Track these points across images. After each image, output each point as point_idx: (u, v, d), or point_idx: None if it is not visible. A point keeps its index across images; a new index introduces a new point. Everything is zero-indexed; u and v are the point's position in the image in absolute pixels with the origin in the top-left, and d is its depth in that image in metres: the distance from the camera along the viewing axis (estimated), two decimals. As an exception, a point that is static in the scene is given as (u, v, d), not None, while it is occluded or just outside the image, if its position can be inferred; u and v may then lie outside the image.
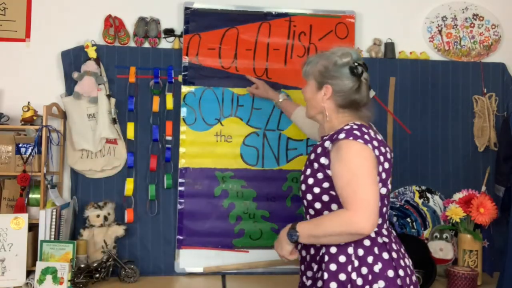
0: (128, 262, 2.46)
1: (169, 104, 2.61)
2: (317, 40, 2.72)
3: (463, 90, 2.82)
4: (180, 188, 2.60)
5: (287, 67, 2.70)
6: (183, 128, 2.62)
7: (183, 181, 2.60)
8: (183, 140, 2.62)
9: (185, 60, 2.64)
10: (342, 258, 1.66)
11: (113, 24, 2.65)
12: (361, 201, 1.57)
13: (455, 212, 2.47)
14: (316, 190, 1.71)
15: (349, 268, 1.65)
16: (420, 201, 2.73)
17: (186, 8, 2.66)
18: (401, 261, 1.71)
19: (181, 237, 2.58)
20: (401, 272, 1.67)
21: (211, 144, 2.64)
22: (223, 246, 2.61)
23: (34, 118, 2.48)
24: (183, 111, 2.63)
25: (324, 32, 2.73)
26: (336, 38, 2.73)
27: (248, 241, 2.63)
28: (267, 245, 2.63)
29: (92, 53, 2.56)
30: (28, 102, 2.49)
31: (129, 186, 2.57)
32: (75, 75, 2.55)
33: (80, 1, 2.67)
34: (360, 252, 1.66)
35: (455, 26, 2.88)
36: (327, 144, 1.70)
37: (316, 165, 1.72)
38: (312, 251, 1.77)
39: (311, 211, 1.77)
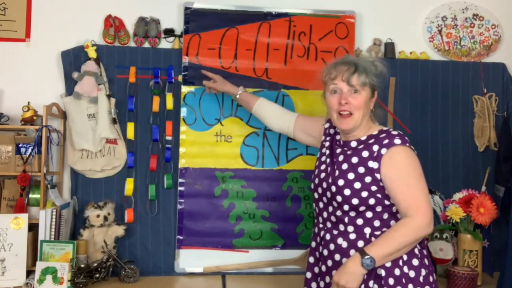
0: (128, 262, 2.46)
1: (169, 104, 2.61)
2: (317, 40, 2.72)
3: (463, 90, 2.82)
4: (180, 188, 2.60)
5: (287, 67, 2.70)
6: (183, 128, 2.62)
7: (183, 181, 2.60)
8: (183, 140, 2.62)
9: (185, 60, 2.64)
10: None
11: (113, 24, 2.65)
12: (424, 205, 1.70)
13: (455, 212, 2.47)
14: (364, 194, 1.75)
15: (400, 262, 1.73)
16: (420, 201, 2.73)
17: (186, 8, 2.66)
18: (426, 250, 1.84)
19: (181, 237, 2.58)
20: (429, 260, 1.83)
21: (211, 144, 2.64)
22: (223, 246, 2.61)
23: (34, 118, 2.48)
24: (183, 111, 2.63)
25: (324, 32, 2.72)
26: (336, 38, 2.73)
27: (248, 241, 2.63)
28: (267, 245, 2.63)
29: (92, 53, 2.56)
30: (28, 102, 2.49)
31: (129, 186, 2.57)
32: (75, 75, 2.55)
33: (80, 1, 2.67)
34: None
35: (455, 26, 2.88)
36: (376, 148, 1.76)
37: (362, 169, 1.76)
38: (361, 244, 1.76)
39: (352, 213, 1.78)
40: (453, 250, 2.55)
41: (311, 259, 1.92)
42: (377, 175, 1.73)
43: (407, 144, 1.76)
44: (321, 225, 1.89)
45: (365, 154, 1.77)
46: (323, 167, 1.90)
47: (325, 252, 1.84)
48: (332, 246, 1.81)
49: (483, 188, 2.65)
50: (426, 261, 1.79)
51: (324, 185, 1.84)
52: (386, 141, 1.76)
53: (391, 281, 1.70)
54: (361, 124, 1.83)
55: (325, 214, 1.86)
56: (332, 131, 1.98)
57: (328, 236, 1.83)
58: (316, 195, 1.90)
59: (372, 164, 1.74)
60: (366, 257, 1.66)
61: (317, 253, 1.89)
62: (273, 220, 2.64)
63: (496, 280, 2.31)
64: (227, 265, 2.59)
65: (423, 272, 1.75)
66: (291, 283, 2.46)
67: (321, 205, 1.88)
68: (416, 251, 1.76)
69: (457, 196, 2.55)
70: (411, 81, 2.79)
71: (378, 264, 1.68)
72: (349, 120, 1.81)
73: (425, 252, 1.81)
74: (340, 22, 2.74)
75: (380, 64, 1.88)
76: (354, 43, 2.74)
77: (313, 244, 1.92)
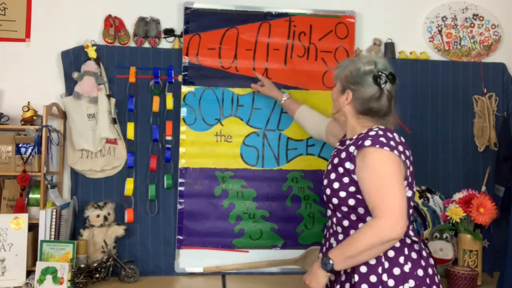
0: (128, 262, 2.46)
1: (169, 104, 2.61)
2: (317, 40, 2.72)
3: (463, 90, 2.82)
4: (180, 188, 2.60)
5: (287, 67, 2.70)
6: (183, 128, 2.62)
7: (183, 181, 2.60)
8: (183, 140, 2.62)
9: (185, 60, 2.64)
10: (372, 261, 1.67)
11: (113, 24, 2.65)
12: (389, 207, 1.61)
13: (455, 212, 2.47)
14: (342, 194, 1.73)
15: (380, 269, 1.66)
16: (420, 201, 2.73)
17: (186, 8, 2.66)
18: (429, 260, 1.75)
19: (181, 237, 2.58)
20: (429, 271, 1.72)
21: (211, 144, 2.64)
22: (223, 246, 2.61)
23: (34, 118, 2.48)
24: (183, 111, 2.63)
25: (324, 32, 2.72)
26: (336, 38, 2.73)
27: (248, 241, 2.63)
28: (267, 245, 2.63)
29: (92, 53, 2.56)
30: (28, 102, 2.49)
31: (129, 186, 2.57)
32: (75, 75, 2.55)
33: (80, 1, 2.67)
34: (391, 253, 1.68)
35: (455, 26, 2.88)
36: (352, 149, 1.73)
37: (341, 169, 1.74)
38: None
39: (338, 214, 1.77)
40: (453, 250, 2.55)
41: (320, 255, 1.92)
42: (354, 176, 1.71)
43: (377, 146, 1.67)
44: (327, 224, 1.91)
45: (343, 155, 1.76)
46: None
47: (323, 249, 1.87)
48: (327, 245, 1.84)
49: (483, 188, 2.65)
50: (420, 271, 1.69)
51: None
52: (359, 142, 1.72)
53: (364, 287, 1.66)
54: (344, 122, 1.85)
55: (328, 212, 1.87)
56: None
57: (327, 235, 1.86)
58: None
59: (349, 165, 1.72)
60: (326, 258, 1.67)
61: (323, 250, 1.91)
62: (273, 220, 2.64)
63: (496, 280, 2.31)
64: (227, 265, 2.59)
65: (411, 283, 1.66)
66: (291, 283, 2.46)
67: (325, 204, 1.89)
68: (402, 259, 1.68)
69: (457, 196, 2.55)
70: (411, 81, 2.79)
71: (339, 266, 1.66)
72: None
73: (423, 262, 1.71)
74: (340, 22, 2.74)
75: (361, 64, 1.79)
76: (354, 43, 2.74)
77: (323, 241, 1.94)
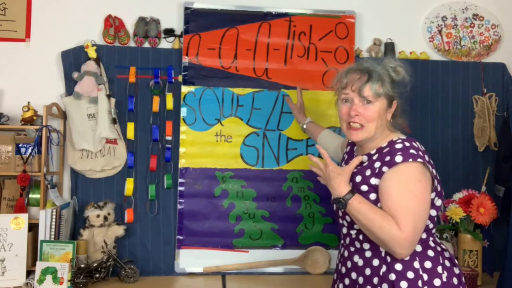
0: (128, 262, 2.46)
1: (169, 104, 2.61)
2: (317, 40, 2.72)
3: (463, 90, 2.82)
4: (180, 188, 2.60)
5: (287, 67, 2.70)
6: (183, 128, 2.62)
7: (183, 181, 2.60)
8: (183, 140, 2.62)
9: (185, 60, 2.64)
10: (410, 274, 1.61)
11: (113, 24, 2.65)
12: (411, 228, 1.56)
13: (455, 212, 2.47)
14: None
15: (420, 283, 1.61)
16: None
17: (186, 8, 2.66)
18: (458, 267, 1.73)
19: (181, 237, 2.58)
20: (462, 279, 1.71)
21: (211, 144, 2.64)
22: (223, 246, 2.61)
23: (34, 118, 2.48)
24: (183, 111, 2.63)
25: (324, 32, 2.72)
26: (336, 38, 2.73)
27: (248, 241, 2.63)
28: (267, 245, 2.63)
29: (92, 53, 2.56)
30: (28, 102, 2.49)
31: (129, 186, 2.57)
32: (75, 75, 2.55)
33: (80, 1, 2.67)
34: (428, 264, 1.64)
35: (455, 26, 2.88)
36: (377, 165, 1.65)
37: (365, 187, 1.66)
38: (376, 262, 1.66)
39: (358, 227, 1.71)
40: (453, 250, 2.55)
41: (335, 276, 1.86)
42: None
43: (410, 160, 1.61)
44: (342, 241, 1.82)
45: (368, 172, 1.67)
46: None
47: (343, 270, 1.77)
48: (349, 264, 1.74)
49: (483, 188, 2.64)
50: (455, 280, 1.66)
51: None
52: (387, 158, 1.63)
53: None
54: (375, 136, 1.71)
55: (344, 230, 1.78)
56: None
57: (346, 253, 1.76)
58: (335, 209, 1.81)
59: (375, 181, 1.64)
60: (344, 200, 1.62)
61: (338, 271, 1.83)
62: (273, 220, 2.64)
63: (496, 280, 2.31)
64: (227, 265, 2.59)
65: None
66: (291, 283, 2.46)
67: (340, 220, 1.79)
68: (440, 269, 1.64)
69: (457, 196, 2.55)
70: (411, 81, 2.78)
71: (347, 210, 1.64)
72: (360, 132, 1.70)
73: (456, 270, 1.70)
74: (340, 22, 2.74)
75: (402, 70, 1.74)
76: (354, 43, 2.74)
77: (336, 261, 1.86)
